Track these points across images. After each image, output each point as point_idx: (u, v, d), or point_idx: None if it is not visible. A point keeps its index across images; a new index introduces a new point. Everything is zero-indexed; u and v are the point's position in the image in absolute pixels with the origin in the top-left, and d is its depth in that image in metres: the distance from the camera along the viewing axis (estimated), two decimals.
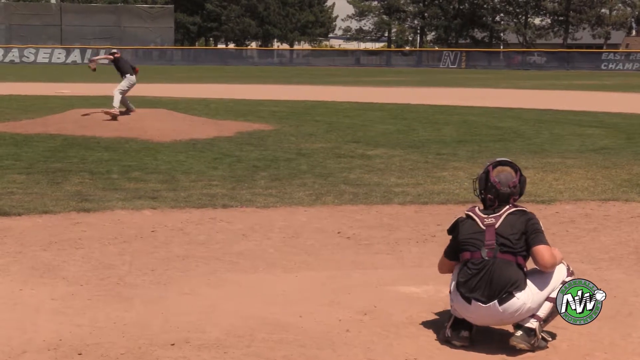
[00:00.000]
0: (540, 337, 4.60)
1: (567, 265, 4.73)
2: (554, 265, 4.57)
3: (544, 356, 4.57)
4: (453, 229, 4.78)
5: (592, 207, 8.84)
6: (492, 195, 4.71)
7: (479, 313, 4.56)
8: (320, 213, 8.46)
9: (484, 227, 4.62)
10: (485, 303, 4.51)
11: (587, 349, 4.68)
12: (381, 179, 10.53)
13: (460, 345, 4.63)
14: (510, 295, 4.48)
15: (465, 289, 4.57)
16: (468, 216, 4.74)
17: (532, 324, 4.54)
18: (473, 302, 4.54)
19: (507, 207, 4.67)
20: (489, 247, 4.56)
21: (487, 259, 4.53)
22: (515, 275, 4.50)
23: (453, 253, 4.78)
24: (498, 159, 4.89)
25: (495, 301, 4.49)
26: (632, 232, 7.78)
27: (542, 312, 4.57)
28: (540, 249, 4.53)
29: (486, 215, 4.67)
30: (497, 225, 4.60)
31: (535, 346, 4.56)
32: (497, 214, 4.65)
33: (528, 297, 4.52)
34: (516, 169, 4.80)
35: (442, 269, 4.95)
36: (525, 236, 4.57)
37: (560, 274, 4.63)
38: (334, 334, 4.83)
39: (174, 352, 4.52)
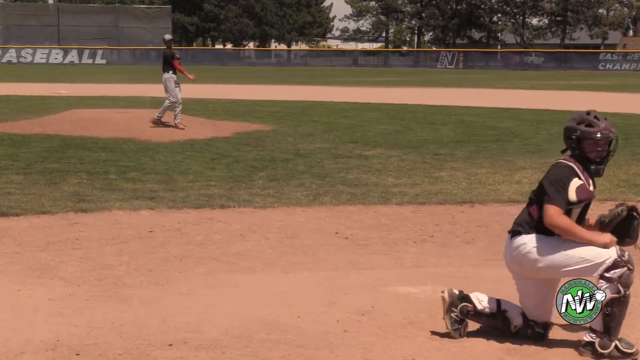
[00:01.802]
0: (612, 349, 4.53)
1: (620, 253, 4.62)
2: (551, 226, 4.63)
3: (541, 356, 4.58)
4: None
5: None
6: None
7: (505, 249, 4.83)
8: (318, 213, 8.46)
9: None
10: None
11: None
12: (379, 179, 10.54)
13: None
14: (518, 234, 4.71)
15: None
16: None
17: (591, 337, 4.56)
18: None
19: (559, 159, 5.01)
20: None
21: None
22: (520, 217, 4.80)
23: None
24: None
25: (510, 235, 4.78)
26: None
27: (596, 325, 4.54)
28: (545, 208, 4.67)
29: None
30: None
31: (607, 356, 4.54)
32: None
33: (532, 241, 4.64)
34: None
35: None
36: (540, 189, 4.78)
37: (586, 250, 4.63)
38: (332, 335, 4.83)
39: (171, 353, 4.52)
